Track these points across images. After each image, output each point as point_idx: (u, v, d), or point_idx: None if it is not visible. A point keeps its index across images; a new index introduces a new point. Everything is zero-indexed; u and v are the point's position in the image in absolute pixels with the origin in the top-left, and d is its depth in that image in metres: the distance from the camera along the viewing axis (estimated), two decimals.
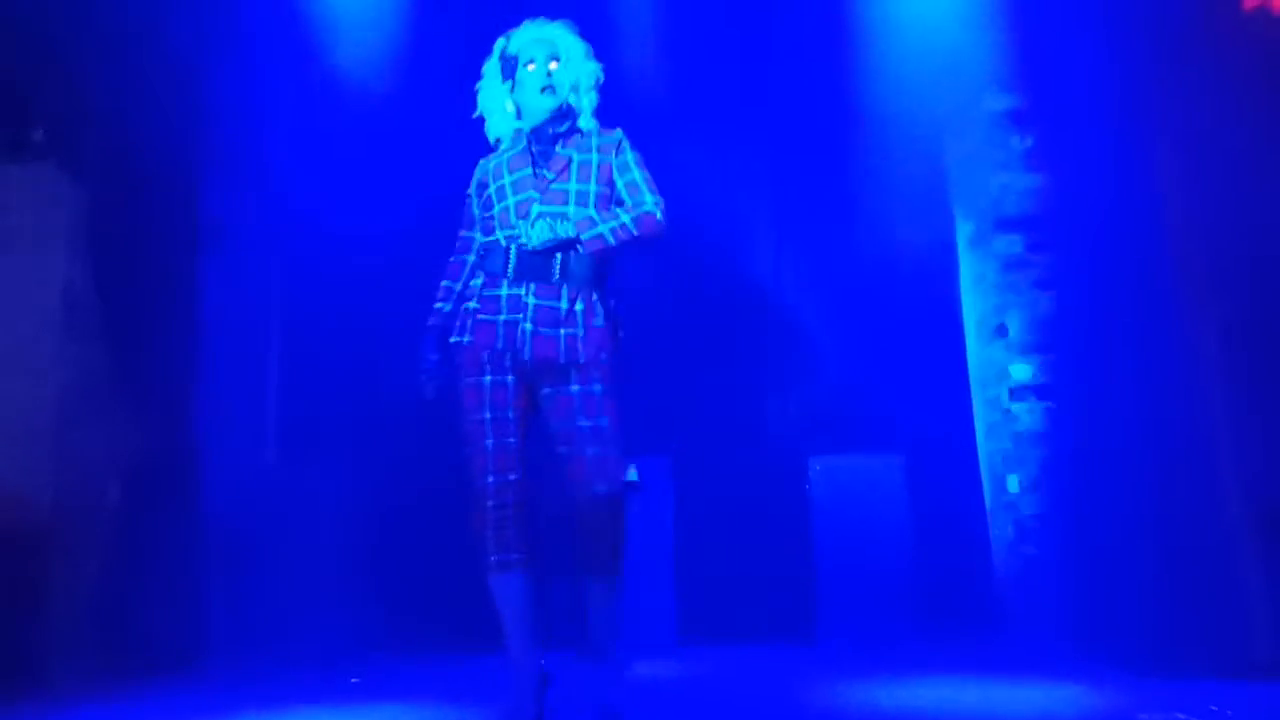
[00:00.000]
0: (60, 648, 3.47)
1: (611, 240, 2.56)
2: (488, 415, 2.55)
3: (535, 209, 2.57)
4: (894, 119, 3.99)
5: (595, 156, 2.65)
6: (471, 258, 2.72)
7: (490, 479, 2.52)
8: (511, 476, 2.54)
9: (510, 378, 2.56)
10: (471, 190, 2.72)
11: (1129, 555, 3.51)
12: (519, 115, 2.69)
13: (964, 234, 4.16)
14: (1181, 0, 3.67)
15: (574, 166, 2.63)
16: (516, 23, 2.71)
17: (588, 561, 2.53)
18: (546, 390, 2.57)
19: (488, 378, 2.56)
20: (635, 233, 2.58)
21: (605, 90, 2.75)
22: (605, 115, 2.76)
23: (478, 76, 2.73)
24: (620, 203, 2.64)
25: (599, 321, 2.57)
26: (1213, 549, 3.39)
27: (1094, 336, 3.70)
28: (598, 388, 2.54)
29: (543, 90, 2.63)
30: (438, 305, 2.74)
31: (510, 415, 2.56)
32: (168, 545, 3.74)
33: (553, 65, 2.66)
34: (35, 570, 3.53)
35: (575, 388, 2.54)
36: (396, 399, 4.02)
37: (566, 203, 2.59)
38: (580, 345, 2.54)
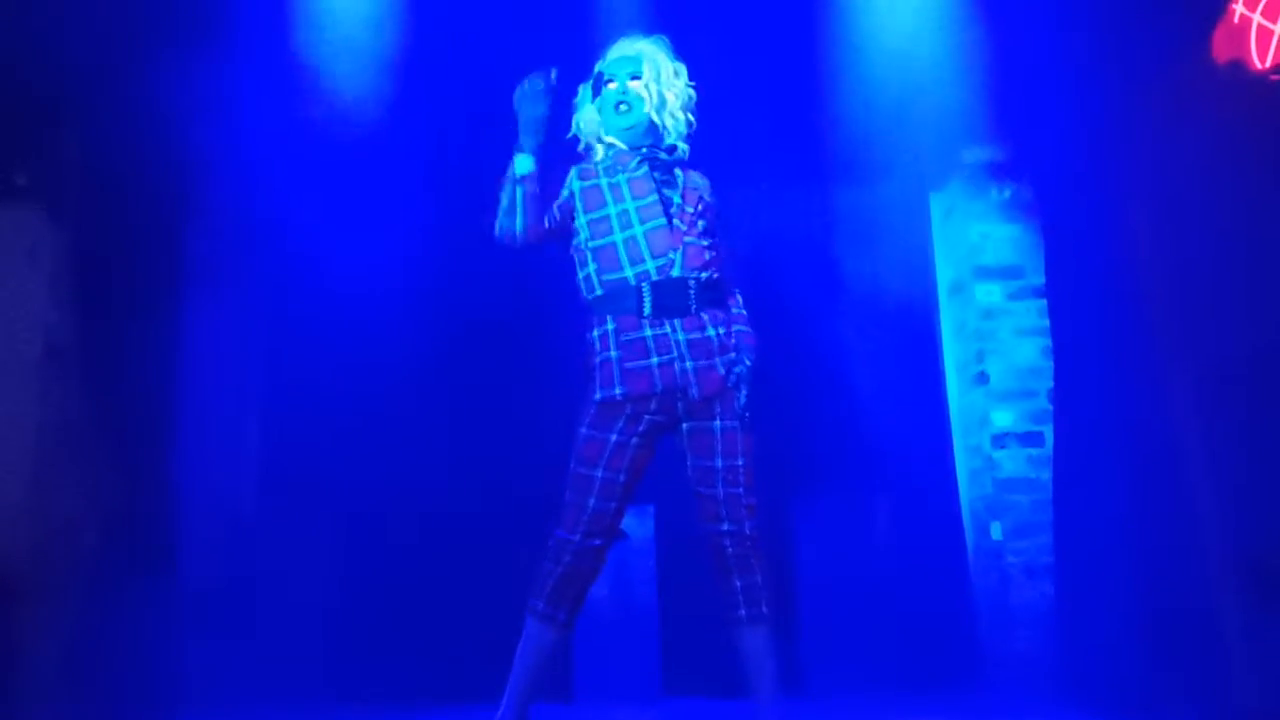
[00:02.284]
0: (32, 698, 3.40)
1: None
2: (600, 475, 2.44)
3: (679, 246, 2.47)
4: (876, 170, 4.05)
5: (709, 197, 2.61)
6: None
7: (577, 537, 2.44)
8: (597, 542, 2.45)
9: (640, 433, 2.46)
10: (561, 193, 2.58)
11: (1112, 604, 3.52)
12: (608, 132, 2.60)
13: (944, 282, 4.20)
14: (1155, 54, 3.75)
15: (698, 201, 2.56)
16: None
17: (733, 612, 2.47)
18: (686, 426, 2.48)
19: (614, 436, 2.44)
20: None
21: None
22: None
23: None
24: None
25: (736, 354, 2.49)
26: (1195, 598, 3.40)
27: (1072, 386, 3.74)
28: (735, 423, 2.46)
29: (617, 106, 2.56)
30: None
31: (621, 479, 2.46)
32: (144, 595, 3.68)
33: (632, 83, 2.58)
34: (7, 618, 3.47)
35: (717, 424, 2.46)
36: (381, 450, 4.02)
37: (699, 235, 2.52)
38: (730, 378, 2.46)
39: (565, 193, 2.58)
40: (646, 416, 2.45)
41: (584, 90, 2.66)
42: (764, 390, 4.33)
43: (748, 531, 2.44)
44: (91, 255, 3.70)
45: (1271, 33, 3.88)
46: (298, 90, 4.04)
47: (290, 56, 4.03)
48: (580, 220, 2.54)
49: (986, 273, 4.04)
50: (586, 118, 2.64)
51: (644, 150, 2.58)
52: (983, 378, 4.00)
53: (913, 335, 4.17)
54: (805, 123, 4.17)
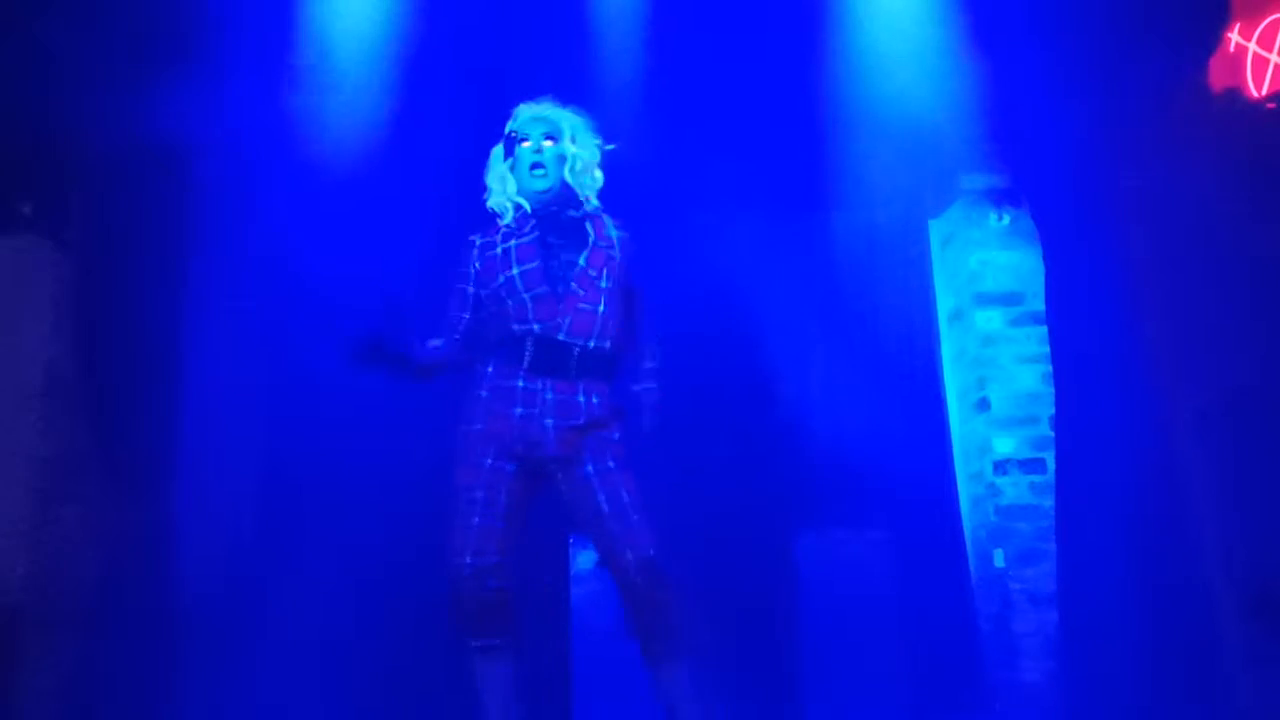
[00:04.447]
0: None
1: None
2: (480, 495, 2.50)
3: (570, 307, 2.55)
4: (874, 198, 4.06)
5: (618, 254, 2.64)
6: (456, 337, 2.69)
7: (468, 559, 2.46)
8: (492, 560, 2.47)
9: (512, 466, 2.52)
10: (470, 271, 2.67)
11: (1115, 631, 3.51)
12: (519, 194, 2.65)
13: (945, 309, 4.21)
14: (1153, 82, 3.77)
15: (605, 262, 2.60)
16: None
17: (644, 646, 2.47)
18: (560, 475, 2.54)
19: (489, 460, 2.52)
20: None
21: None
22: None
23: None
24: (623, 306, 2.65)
25: (608, 415, 2.56)
26: (1198, 625, 3.39)
27: (1074, 412, 3.74)
28: (611, 464, 2.52)
29: (532, 169, 2.61)
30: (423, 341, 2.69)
31: (503, 499, 2.51)
32: (144, 624, 3.67)
33: (546, 143, 2.63)
34: (8, 647, 3.46)
35: (589, 467, 2.51)
36: (383, 478, 4.01)
37: (598, 301, 2.58)
38: (594, 432, 2.52)
39: (473, 268, 2.66)
40: (515, 456, 2.52)
41: (496, 151, 2.71)
42: (765, 417, 4.37)
43: (649, 555, 2.45)
44: (94, 285, 3.71)
45: (1267, 61, 3.91)
46: (299, 121, 4.07)
47: (291, 87, 4.06)
48: (488, 283, 2.63)
49: (986, 299, 4.05)
50: (497, 177, 2.70)
51: (549, 210, 2.63)
52: (984, 404, 4.00)
53: (913, 362, 4.16)
54: (803, 150, 4.19)
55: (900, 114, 4.04)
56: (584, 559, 3.70)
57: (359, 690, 3.90)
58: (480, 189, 2.78)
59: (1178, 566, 3.46)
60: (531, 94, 3.51)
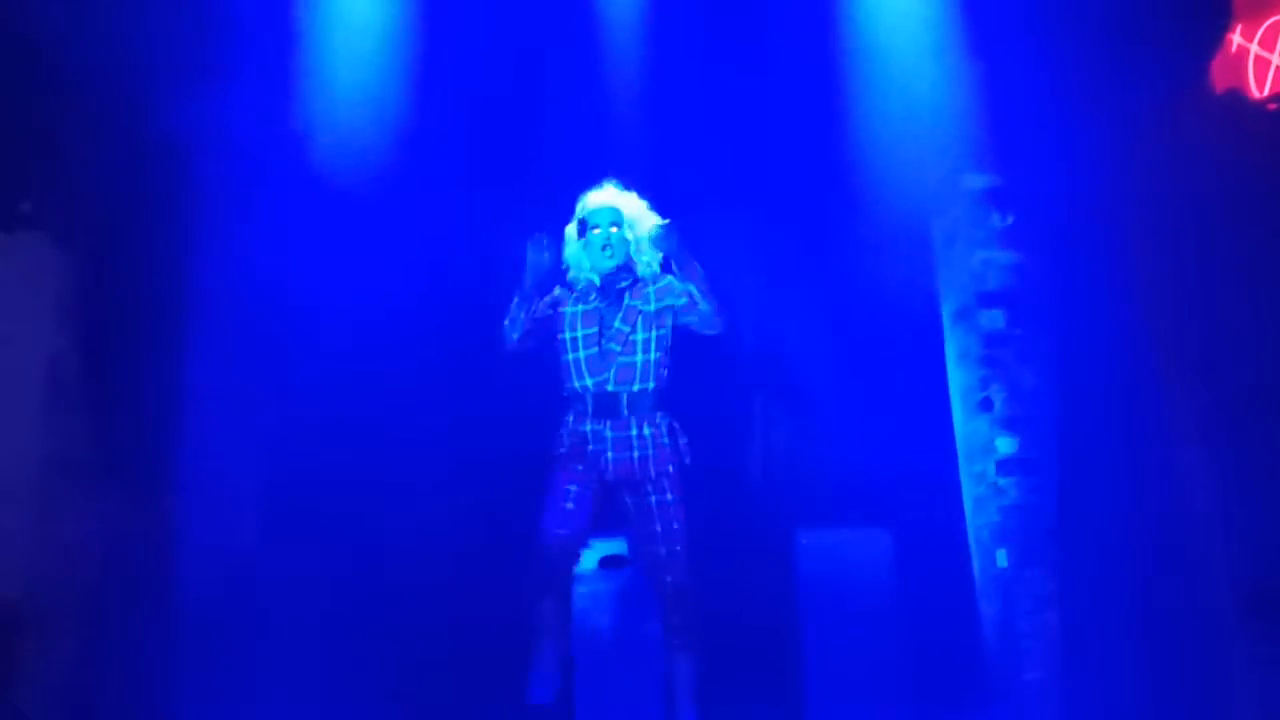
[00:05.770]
0: None
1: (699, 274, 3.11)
2: (574, 488, 3.11)
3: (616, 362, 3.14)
4: (878, 198, 4.06)
5: (653, 305, 3.18)
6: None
7: (559, 530, 3.08)
8: (573, 534, 3.11)
9: (589, 491, 3.13)
10: (549, 301, 3.23)
11: (1117, 631, 3.52)
12: (591, 270, 3.22)
13: (948, 309, 4.21)
14: (1155, 82, 3.79)
15: (638, 316, 3.17)
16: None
17: (669, 639, 3.14)
18: (629, 499, 3.14)
19: (580, 466, 3.13)
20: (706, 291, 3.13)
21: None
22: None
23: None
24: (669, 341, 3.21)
25: (665, 440, 3.12)
26: (1200, 626, 3.41)
27: (1076, 413, 3.75)
28: (669, 496, 3.12)
29: (603, 249, 3.18)
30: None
31: (588, 495, 3.12)
32: (144, 625, 3.66)
33: (614, 230, 3.18)
34: (8, 648, 3.46)
35: (653, 498, 3.12)
36: (384, 480, 4.01)
37: (634, 352, 3.16)
38: (651, 463, 3.11)
39: (548, 311, 3.23)
40: (590, 483, 3.14)
41: (570, 230, 3.26)
42: (769, 416, 4.37)
43: (683, 579, 3.11)
44: (96, 284, 3.71)
45: (1269, 62, 3.92)
46: (301, 122, 4.06)
47: (295, 88, 4.05)
48: (558, 335, 3.25)
49: (990, 299, 4.05)
50: (572, 253, 3.25)
51: (610, 282, 3.20)
52: (987, 404, 4.01)
53: (917, 362, 4.17)
54: (808, 152, 4.20)
55: (904, 115, 4.05)
56: (587, 559, 3.70)
57: (359, 690, 3.90)
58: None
59: (1179, 567, 3.47)
60: (537, 95, 3.62)
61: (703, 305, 3.12)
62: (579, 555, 3.20)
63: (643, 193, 3.27)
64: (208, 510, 3.88)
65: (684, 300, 3.15)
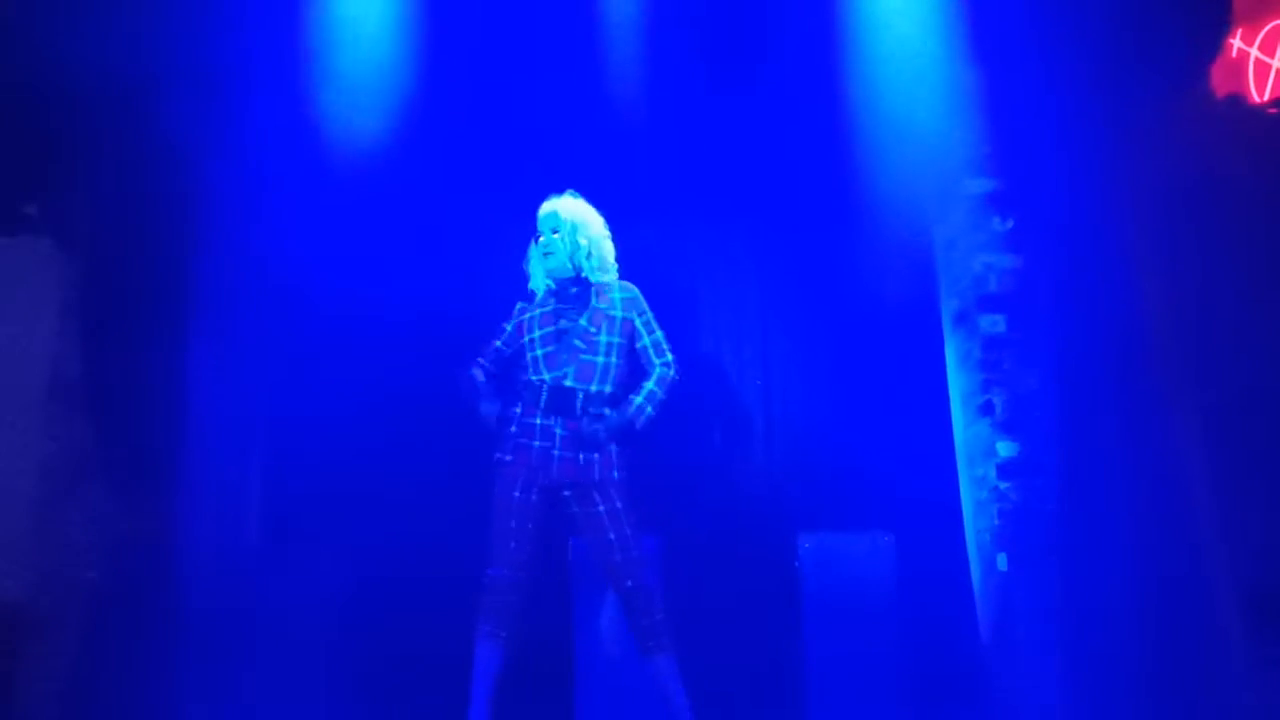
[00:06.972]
0: None
1: (652, 412, 3.25)
2: (514, 524, 3.17)
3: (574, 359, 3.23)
4: (879, 203, 4.07)
5: (619, 312, 3.29)
6: (488, 365, 3.39)
7: (505, 572, 3.15)
8: (521, 575, 3.16)
9: (536, 496, 3.19)
10: (509, 327, 3.39)
11: (1118, 636, 3.52)
12: (544, 275, 3.35)
13: (949, 313, 4.22)
14: (1156, 86, 3.79)
15: (604, 320, 3.27)
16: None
17: (644, 643, 3.18)
18: (577, 509, 3.22)
19: (518, 493, 3.18)
20: (662, 397, 3.28)
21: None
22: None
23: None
24: (640, 356, 3.31)
25: (610, 446, 3.20)
26: (1200, 631, 3.40)
27: (1077, 416, 3.75)
28: (618, 505, 3.20)
29: (544, 255, 3.33)
30: (474, 372, 3.37)
31: (530, 527, 3.18)
32: (146, 627, 3.66)
33: (554, 235, 3.31)
34: (9, 649, 3.46)
35: (601, 507, 3.19)
36: (386, 482, 4.02)
37: (597, 353, 3.25)
38: (596, 467, 3.19)
39: (510, 326, 3.39)
40: (537, 485, 3.20)
41: (532, 244, 3.41)
42: (770, 420, 4.37)
43: (644, 580, 3.18)
44: (100, 285, 3.72)
45: (1269, 66, 3.93)
46: (305, 122, 4.08)
47: (298, 92, 4.07)
48: (515, 341, 3.39)
49: (990, 303, 4.05)
50: (530, 264, 3.42)
51: (564, 285, 3.33)
52: (988, 408, 4.01)
53: (918, 366, 4.17)
54: (808, 156, 4.21)
55: (904, 119, 4.05)
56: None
57: (359, 691, 3.90)
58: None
59: (1180, 570, 3.46)
60: (542, 99, 3.94)
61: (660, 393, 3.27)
62: (525, 594, 3.20)
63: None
64: (209, 511, 3.89)
65: (645, 342, 3.30)
